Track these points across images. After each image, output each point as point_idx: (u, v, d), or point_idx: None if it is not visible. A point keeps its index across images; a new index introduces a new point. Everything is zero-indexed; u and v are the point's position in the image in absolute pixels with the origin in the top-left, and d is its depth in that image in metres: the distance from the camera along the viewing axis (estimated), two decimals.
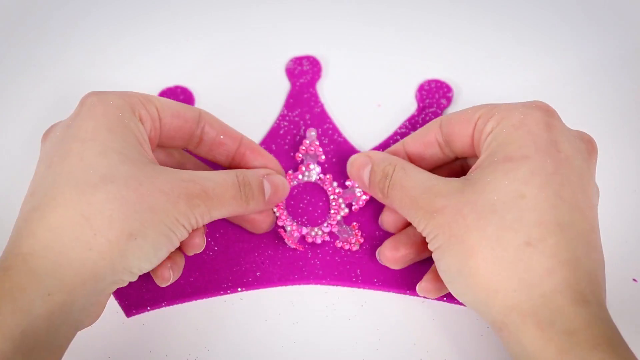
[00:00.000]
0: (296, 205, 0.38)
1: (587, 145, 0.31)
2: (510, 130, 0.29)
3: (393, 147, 0.35)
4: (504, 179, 0.28)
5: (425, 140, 0.34)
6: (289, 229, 0.36)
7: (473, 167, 0.31)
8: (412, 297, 0.34)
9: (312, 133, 0.39)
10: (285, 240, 0.36)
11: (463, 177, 0.30)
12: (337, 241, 0.36)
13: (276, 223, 0.37)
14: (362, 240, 0.36)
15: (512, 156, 0.28)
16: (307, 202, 0.38)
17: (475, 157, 0.33)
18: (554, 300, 0.26)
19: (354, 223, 0.36)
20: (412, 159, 0.34)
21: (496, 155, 0.29)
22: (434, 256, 0.30)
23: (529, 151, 0.28)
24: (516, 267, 0.27)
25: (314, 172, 0.38)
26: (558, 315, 0.26)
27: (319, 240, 0.36)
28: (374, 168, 0.33)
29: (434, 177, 0.31)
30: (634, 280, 0.35)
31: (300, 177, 0.38)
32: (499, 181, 0.28)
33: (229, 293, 0.35)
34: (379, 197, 0.34)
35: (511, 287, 0.27)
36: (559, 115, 0.31)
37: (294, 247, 0.36)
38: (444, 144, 0.33)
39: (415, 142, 0.34)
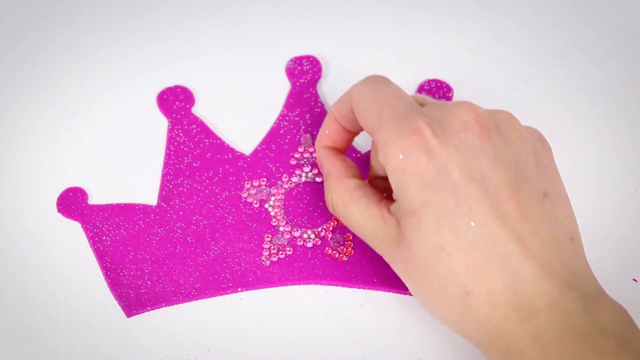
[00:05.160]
0: (296, 205, 0.38)
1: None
2: (399, 177, 0.28)
3: (328, 124, 0.35)
4: (419, 235, 0.28)
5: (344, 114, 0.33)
6: (282, 229, 0.36)
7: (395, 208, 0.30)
8: (412, 297, 0.34)
9: (307, 139, 0.39)
10: (263, 257, 0.36)
11: (395, 220, 0.30)
12: (327, 248, 0.36)
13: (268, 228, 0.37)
14: (352, 252, 0.36)
15: (414, 208, 0.28)
16: (307, 203, 0.38)
17: None
18: (504, 329, 0.27)
19: (348, 234, 0.36)
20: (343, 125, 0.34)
21: (401, 205, 0.29)
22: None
23: (424, 196, 0.28)
24: (466, 314, 0.28)
25: (304, 174, 0.38)
26: (510, 340, 0.27)
27: (309, 244, 0.36)
28: (325, 195, 0.34)
29: (373, 217, 0.31)
30: (634, 280, 0.35)
31: (294, 179, 0.38)
32: (416, 238, 0.28)
33: (229, 293, 0.35)
34: None
35: (470, 331, 0.28)
36: (440, 122, 0.28)
37: (268, 263, 0.35)
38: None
39: (339, 112, 0.34)
